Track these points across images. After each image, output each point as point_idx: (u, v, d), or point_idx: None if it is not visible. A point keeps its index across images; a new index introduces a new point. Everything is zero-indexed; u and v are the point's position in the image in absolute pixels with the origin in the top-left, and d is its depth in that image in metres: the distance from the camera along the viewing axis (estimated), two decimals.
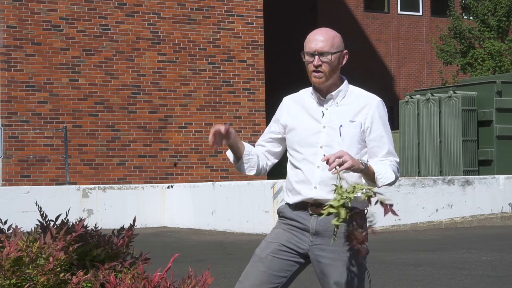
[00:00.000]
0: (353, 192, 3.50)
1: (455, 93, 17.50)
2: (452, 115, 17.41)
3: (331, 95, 3.76)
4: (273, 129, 3.89)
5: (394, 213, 3.55)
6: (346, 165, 3.48)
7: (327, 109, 3.76)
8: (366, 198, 3.53)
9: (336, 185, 3.56)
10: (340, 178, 3.55)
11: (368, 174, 3.63)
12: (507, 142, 17.28)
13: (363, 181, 3.68)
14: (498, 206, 14.62)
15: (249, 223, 14.00)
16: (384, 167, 3.67)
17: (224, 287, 7.68)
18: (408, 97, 18.59)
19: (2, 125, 16.59)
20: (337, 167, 3.49)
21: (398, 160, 3.77)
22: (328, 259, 3.67)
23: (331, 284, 3.68)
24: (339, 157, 3.47)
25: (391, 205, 3.55)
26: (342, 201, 3.50)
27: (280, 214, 3.83)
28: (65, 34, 17.74)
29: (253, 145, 3.91)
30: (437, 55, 26.53)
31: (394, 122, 22.84)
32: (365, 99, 3.77)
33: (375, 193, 3.55)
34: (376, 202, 3.56)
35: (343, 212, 3.51)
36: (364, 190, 3.52)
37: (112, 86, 18.11)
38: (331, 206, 3.52)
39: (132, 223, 3.82)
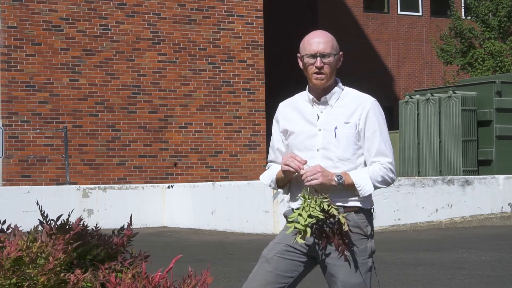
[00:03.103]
0: (318, 210, 3.58)
1: (455, 93, 17.51)
2: (452, 115, 17.42)
3: (325, 98, 3.78)
4: (280, 137, 3.89)
5: (343, 248, 3.65)
6: (313, 182, 3.61)
7: (322, 112, 3.77)
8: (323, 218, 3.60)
9: (304, 197, 3.63)
10: (313, 190, 3.64)
11: (348, 187, 3.68)
12: (507, 142, 17.29)
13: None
14: (498, 206, 14.63)
15: (249, 223, 14.01)
16: (365, 177, 3.70)
17: (224, 287, 7.68)
18: (408, 97, 18.59)
19: (2, 125, 16.60)
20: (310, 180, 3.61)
21: (390, 160, 3.76)
22: (334, 259, 3.69)
23: (338, 284, 3.70)
24: (311, 175, 3.60)
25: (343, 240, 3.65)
26: (308, 221, 3.58)
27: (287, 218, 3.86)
28: (66, 34, 17.75)
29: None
30: (437, 54, 26.53)
31: (394, 122, 22.86)
32: (359, 100, 3.79)
33: (331, 218, 3.61)
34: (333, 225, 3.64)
35: (308, 232, 3.60)
36: (321, 211, 3.58)
37: (112, 86, 18.13)
38: (299, 221, 3.60)
39: (129, 222, 3.83)
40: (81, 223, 3.70)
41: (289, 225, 3.66)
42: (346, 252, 3.64)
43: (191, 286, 3.50)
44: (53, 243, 3.39)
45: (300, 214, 3.60)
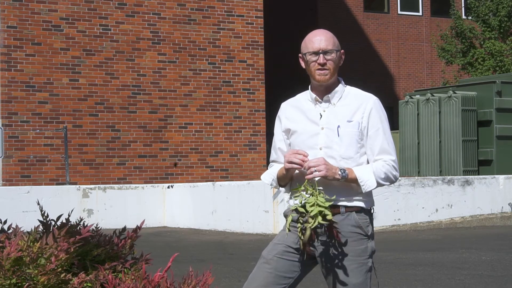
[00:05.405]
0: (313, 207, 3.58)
1: (455, 93, 17.51)
2: (452, 115, 17.42)
3: (327, 97, 3.80)
4: (282, 137, 3.91)
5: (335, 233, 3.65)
6: (317, 174, 3.60)
7: (324, 111, 3.79)
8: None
9: (297, 188, 3.65)
10: (311, 184, 3.63)
11: (351, 182, 3.68)
12: (507, 142, 17.29)
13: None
14: (498, 206, 14.63)
15: (249, 223, 14.00)
16: (368, 173, 3.70)
17: (224, 287, 7.68)
18: (408, 97, 18.59)
19: (2, 125, 16.60)
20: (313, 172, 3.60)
21: (393, 158, 3.79)
22: (334, 259, 3.70)
23: (337, 284, 3.71)
24: (315, 166, 3.59)
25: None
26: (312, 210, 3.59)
27: (287, 217, 3.85)
28: (65, 34, 17.74)
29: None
30: (438, 54, 26.53)
31: (394, 122, 22.86)
32: (361, 98, 3.80)
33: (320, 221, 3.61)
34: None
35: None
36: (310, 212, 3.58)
37: (112, 86, 18.12)
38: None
39: (138, 226, 3.82)
40: (89, 228, 3.69)
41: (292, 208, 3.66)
42: (339, 236, 3.66)
43: (191, 286, 3.49)
44: (56, 245, 3.38)
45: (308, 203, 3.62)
